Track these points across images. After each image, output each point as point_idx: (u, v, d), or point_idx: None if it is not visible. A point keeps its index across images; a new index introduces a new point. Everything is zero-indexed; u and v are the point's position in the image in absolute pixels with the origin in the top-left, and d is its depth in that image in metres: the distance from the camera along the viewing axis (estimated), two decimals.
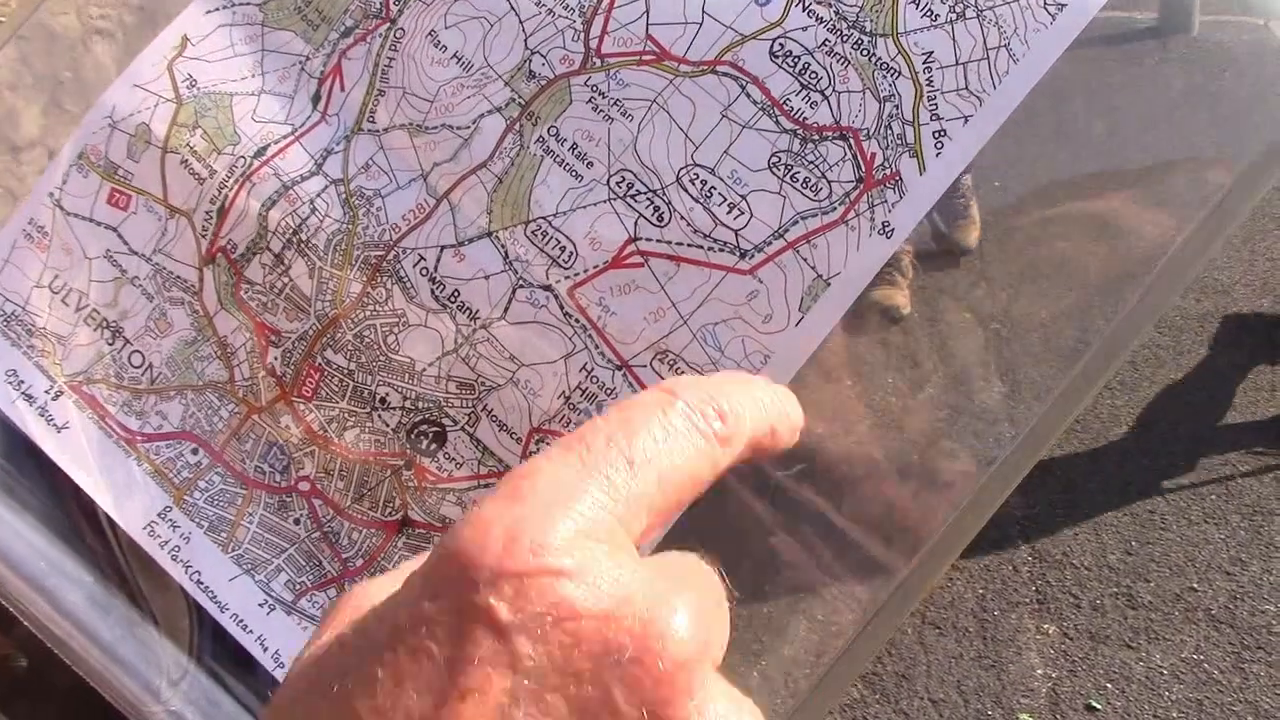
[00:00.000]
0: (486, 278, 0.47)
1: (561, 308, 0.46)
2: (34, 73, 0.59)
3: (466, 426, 0.48)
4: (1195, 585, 2.31)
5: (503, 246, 0.47)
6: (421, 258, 0.48)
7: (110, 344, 0.53)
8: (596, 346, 0.46)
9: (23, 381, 0.53)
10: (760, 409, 0.34)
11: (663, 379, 0.45)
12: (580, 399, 0.46)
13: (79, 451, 0.52)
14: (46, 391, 0.53)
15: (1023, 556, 2.41)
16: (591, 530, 0.26)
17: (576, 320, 0.46)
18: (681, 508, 0.30)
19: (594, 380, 0.46)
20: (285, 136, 0.50)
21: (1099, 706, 2.11)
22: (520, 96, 0.47)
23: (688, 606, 0.26)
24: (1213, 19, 0.45)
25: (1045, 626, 2.27)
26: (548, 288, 0.46)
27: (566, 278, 0.46)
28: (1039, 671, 2.18)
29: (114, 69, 0.55)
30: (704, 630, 0.26)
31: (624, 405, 0.30)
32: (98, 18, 0.59)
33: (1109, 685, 2.15)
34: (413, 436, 0.48)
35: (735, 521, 0.54)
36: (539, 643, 0.24)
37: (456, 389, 0.48)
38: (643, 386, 0.46)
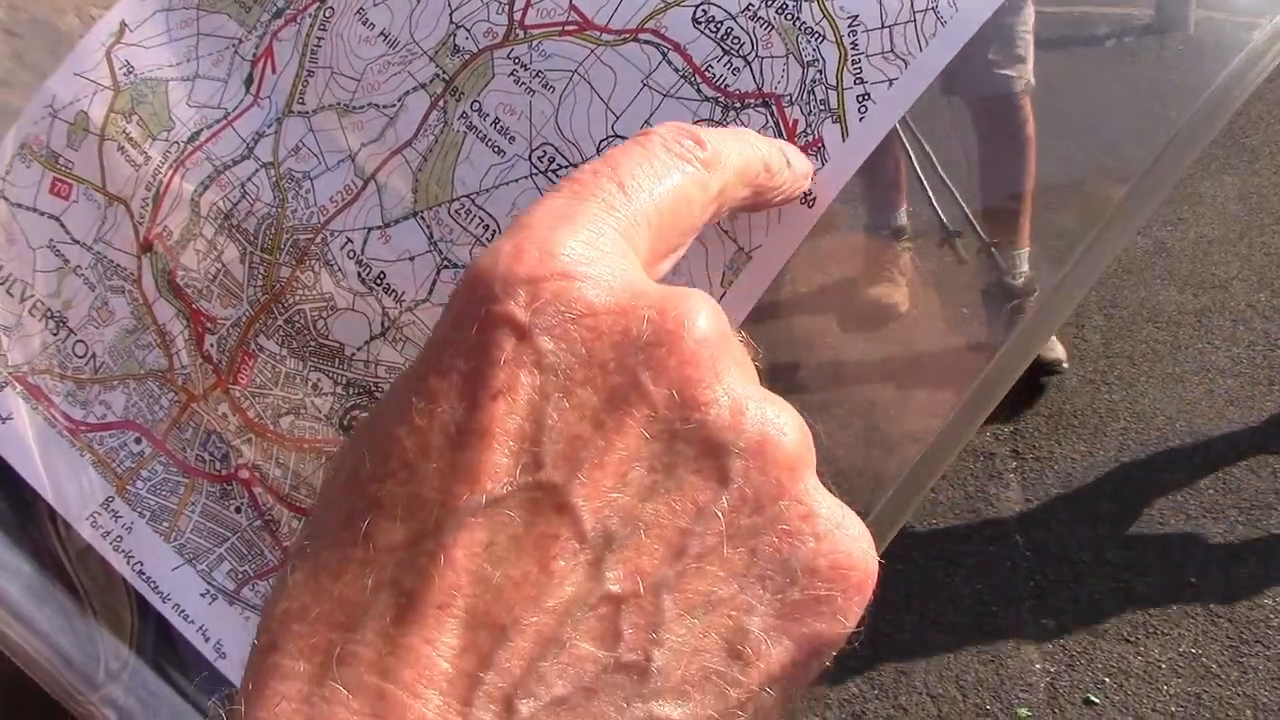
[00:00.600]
0: (412, 259, 0.46)
1: None
2: (33, 71, 0.59)
3: None
4: (1193, 579, 2.31)
5: (428, 226, 0.46)
6: (349, 240, 0.47)
7: (55, 334, 0.52)
8: None
9: None
10: (745, 144, 0.34)
11: None
12: None
13: (21, 443, 0.52)
14: None
15: (1020, 551, 2.41)
16: (595, 240, 0.27)
17: None
18: (684, 232, 0.31)
19: None
20: (218, 121, 0.49)
21: (1097, 700, 2.12)
22: (444, 72, 0.46)
23: (703, 300, 0.27)
24: (1206, 15, 0.45)
25: (1043, 621, 2.27)
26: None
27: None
28: (1037, 666, 2.19)
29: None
30: (720, 321, 0.27)
31: (605, 153, 0.31)
32: (99, 18, 0.59)
33: (1107, 679, 2.15)
34: (345, 423, 0.48)
35: None
36: (560, 340, 0.25)
37: (385, 373, 0.47)
38: None
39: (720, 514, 0.25)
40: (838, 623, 0.27)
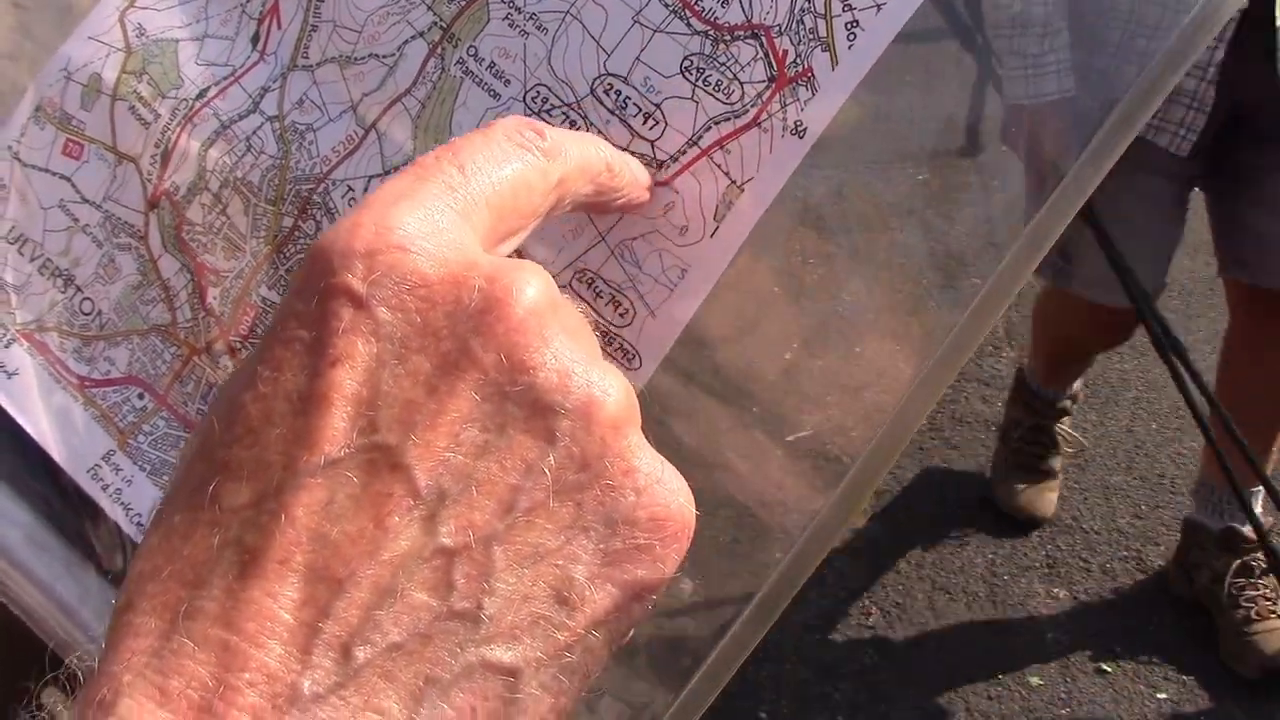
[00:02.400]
0: None
1: None
2: (35, 42, 0.59)
3: None
4: None
5: None
6: (350, 189, 0.48)
7: (63, 292, 0.53)
8: None
9: None
10: (588, 144, 0.37)
11: (585, 300, 0.45)
12: None
13: (26, 397, 0.53)
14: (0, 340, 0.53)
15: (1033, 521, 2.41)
16: (432, 217, 0.29)
17: None
18: (524, 216, 0.33)
19: None
20: (225, 78, 0.50)
21: (1109, 670, 2.12)
22: (442, 19, 0.46)
23: (534, 270, 0.29)
24: None
25: (1055, 591, 2.27)
26: None
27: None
28: (1049, 635, 2.19)
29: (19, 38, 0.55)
30: (550, 290, 0.29)
31: (450, 140, 0.33)
32: None
33: (1119, 649, 2.15)
34: None
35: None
36: (395, 310, 0.27)
37: None
38: None
39: (548, 470, 0.27)
40: (657, 569, 0.29)
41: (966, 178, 0.56)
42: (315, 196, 0.48)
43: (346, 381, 0.26)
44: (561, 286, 0.44)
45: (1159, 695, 2.06)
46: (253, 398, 0.27)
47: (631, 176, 0.40)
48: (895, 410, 0.42)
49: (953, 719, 2.04)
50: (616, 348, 0.44)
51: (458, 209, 0.30)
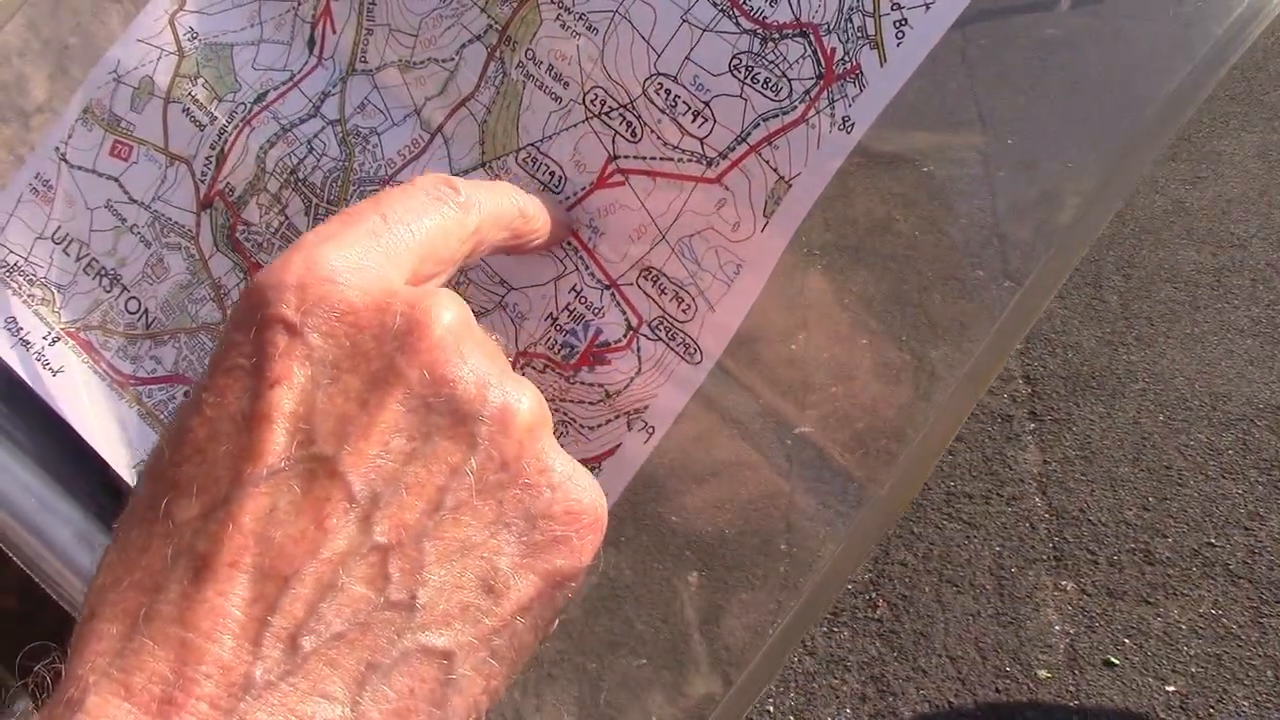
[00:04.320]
0: None
1: None
2: (41, 38, 0.59)
3: None
4: (1213, 540, 2.31)
5: (496, 175, 0.47)
6: None
7: (108, 291, 0.54)
8: (587, 267, 0.46)
9: (21, 328, 0.54)
10: (502, 195, 0.40)
11: (650, 296, 0.45)
12: (567, 320, 0.46)
13: (73, 395, 0.53)
14: (44, 337, 0.54)
15: (1039, 513, 2.41)
16: (359, 256, 0.32)
17: (568, 242, 0.46)
18: (443, 261, 0.36)
19: (582, 300, 0.46)
20: (284, 83, 0.51)
21: (1117, 662, 2.12)
22: (497, 22, 0.46)
23: (449, 298, 0.32)
24: None
25: (1063, 583, 2.27)
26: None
27: (558, 202, 0.46)
28: (1057, 628, 2.19)
29: (122, 32, 0.55)
30: (465, 314, 0.32)
31: (375, 194, 0.36)
32: None
33: (1127, 641, 2.15)
34: None
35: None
36: (327, 335, 0.30)
37: None
38: (630, 305, 0.46)
39: (471, 472, 0.30)
40: (575, 558, 0.32)
41: (972, 170, 0.56)
42: None
43: (285, 401, 0.29)
44: (629, 285, 0.45)
45: (1168, 687, 2.06)
46: (199, 421, 0.30)
47: (545, 219, 0.43)
48: (945, 400, 0.43)
49: (960, 712, 2.04)
50: (680, 342, 0.45)
51: (381, 251, 0.33)
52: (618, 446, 0.46)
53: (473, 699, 0.29)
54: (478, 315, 0.47)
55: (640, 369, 0.46)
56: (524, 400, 0.32)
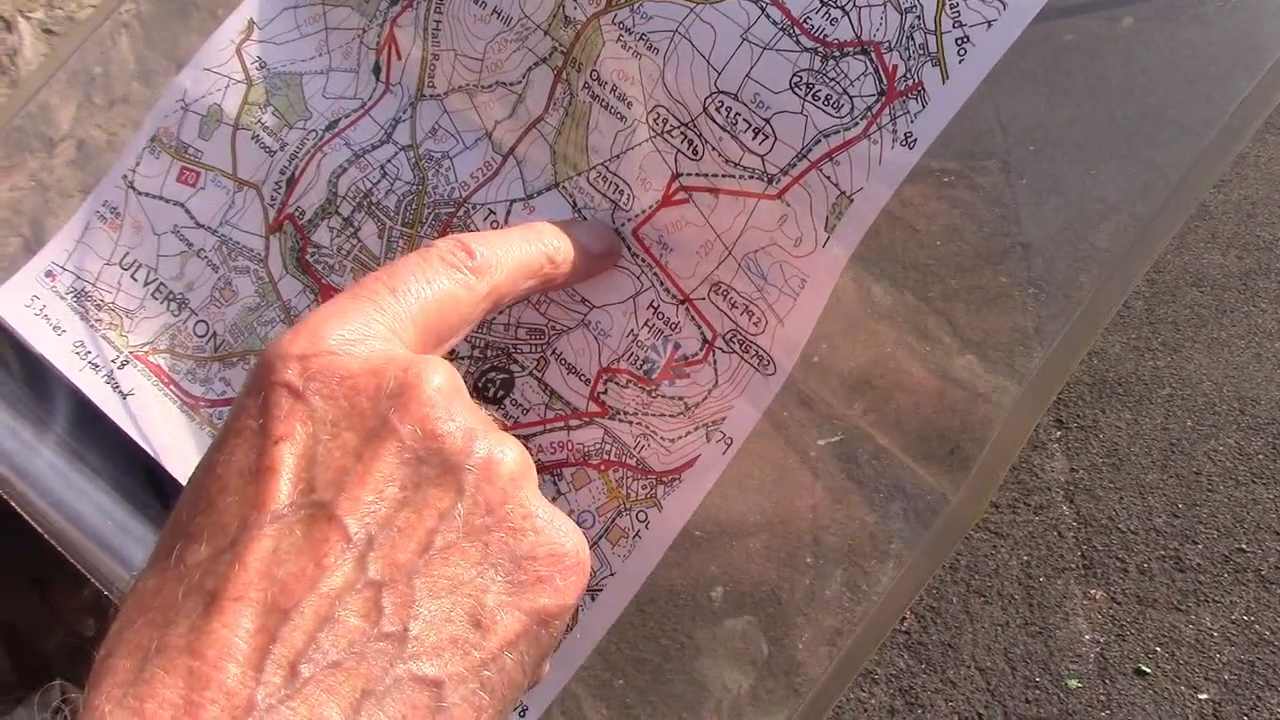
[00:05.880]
0: None
1: (628, 248, 0.47)
2: (67, 69, 0.60)
3: (535, 372, 0.49)
4: (1244, 546, 2.28)
5: (570, 196, 0.48)
6: (491, 212, 0.49)
7: (176, 315, 0.55)
8: (661, 283, 0.47)
9: (90, 352, 0.55)
10: (526, 244, 0.42)
11: (722, 311, 0.46)
12: (647, 335, 0.47)
13: (143, 417, 0.54)
14: (113, 361, 0.55)
15: (1067, 522, 2.39)
16: (362, 329, 0.35)
17: (642, 259, 0.47)
18: (454, 326, 0.39)
19: (660, 316, 0.47)
20: (355, 110, 0.52)
21: (1149, 670, 2.10)
22: (561, 45, 0.47)
23: (440, 363, 0.35)
24: None
25: (1092, 591, 2.25)
26: (615, 231, 0.47)
27: (629, 220, 0.47)
28: (1087, 637, 2.17)
29: (133, 60, 0.56)
30: (453, 377, 0.35)
31: (388, 263, 0.39)
32: (123, 11, 0.60)
33: (1158, 649, 2.13)
34: (480, 385, 0.50)
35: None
36: (327, 399, 0.33)
37: (526, 334, 0.49)
38: (704, 319, 0.46)
39: (458, 516, 0.33)
40: (559, 598, 0.34)
41: (992, 177, 0.56)
42: (456, 220, 0.49)
43: (288, 455, 0.32)
44: (701, 299, 0.46)
45: (1200, 695, 2.04)
46: (210, 479, 0.32)
47: (579, 257, 0.45)
48: (1011, 407, 0.44)
49: None
50: (753, 355, 0.46)
51: (385, 324, 0.36)
52: (697, 458, 0.47)
53: None
54: (561, 333, 0.49)
55: (717, 381, 0.46)
56: (507, 452, 0.34)
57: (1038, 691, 2.08)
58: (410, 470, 0.33)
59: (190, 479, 0.33)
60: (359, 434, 0.32)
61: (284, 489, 0.31)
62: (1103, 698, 2.06)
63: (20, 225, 0.58)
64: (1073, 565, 2.31)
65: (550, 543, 0.34)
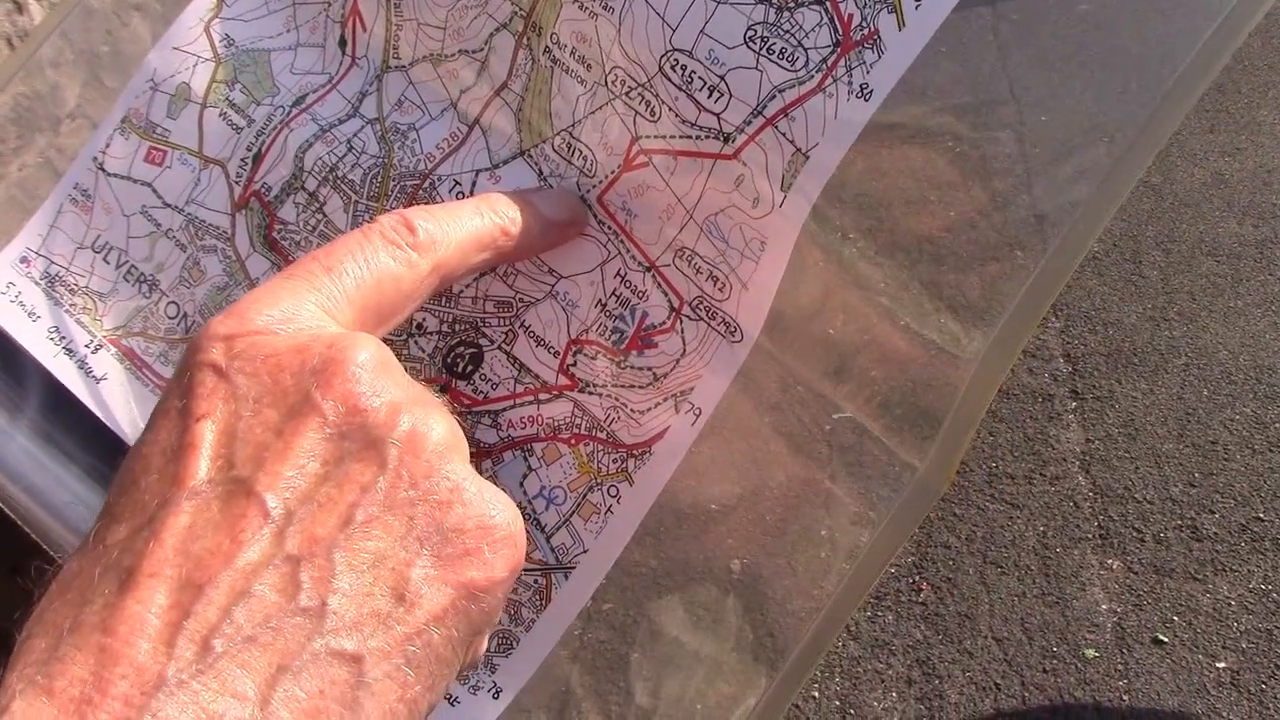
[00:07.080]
0: None
1: (595, 216, 0.46)
2: (74, 49, 0.60)
3: (503, 345, 0.48)
4: (1261, 515, 2.28)
5: (536, 164, 0.47)
6: (457, 183, 0.48)
7: (147, 297, 0.54)
8: (628, 250, 0.46)
9: (64, 337, 0.55)
10: (476, 217, 0.42)
11: (687, 276, 0.45)
12: (615, 305, 0.46)
13: (117, 401, 0.54)
14: (86, 345, 0.54)
15: (1083, 492, 2.39)
16: (292, 309, 0.35)
17: (608, 227, 0.46)
18: (395, 304, 0.38)
19: (627, 285, 0.46)
20: (323, 85, 0.51)
21: (1166, 640, 2.10)
22: (520, 9, 0.46)
23: (367, 339, 0.34)
24: None
25: (1109, 561, 2.25)
26: (581, 198, 0.46)
27: (594, 186, 0.46)
28: (1104, 607, 2.17)
29: (150, 41, 0.56)
30: (382, 351, 0.34)
31: (326, 244, 0.39)
32: None
33: (1175, 618, 2.13)
34: (448, 360, 0.49)
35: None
36: (250, 376, 0.33)
37: (494, 308, 0.48)
38: (671, 286, 0.46)
39: (380, 490, 0.32)
40: (487, 570, 0.33)
41: (1005, 149, 0.56)
42: (421, 192, 0.49)
43: (208, 432, 0.32)
44: (666, 266, 0.45)
45: (1219, 664, 2.04)
46: (136, 460, 0.32)
47: (538, 227, 0.44)
48: (973, 375, 0.42)
49: (1008, 694, 2.03)
50: (720, 321, 0.45)
51: (318, 303, 0.36)
52: (667, 429, 0.46)
53: (388, 705, 0.31)
54: (529, 305, 0.48)
55: (685, 350, 0.45)
56: (434, 426, 0.34)
57: (1055, 661, 2.09)
58: (332, 445, 0.32)
59: (121, 463, 0.33)
60: (280, 410, 0.32)
61: (203, 465, 0.31)
62: (1120, 667, 2.06)
63: (31, 205, 0.59)
64: (1089, 535, 2.30)
65: (479, 515, 0.34)
